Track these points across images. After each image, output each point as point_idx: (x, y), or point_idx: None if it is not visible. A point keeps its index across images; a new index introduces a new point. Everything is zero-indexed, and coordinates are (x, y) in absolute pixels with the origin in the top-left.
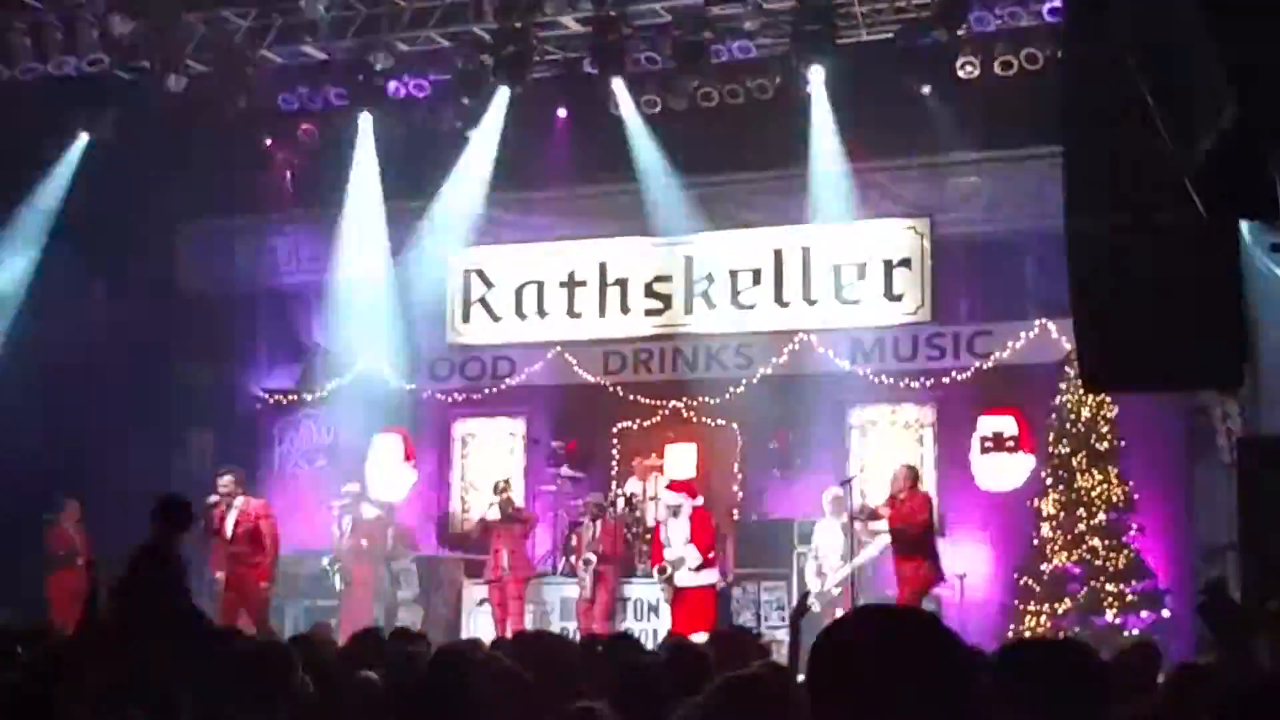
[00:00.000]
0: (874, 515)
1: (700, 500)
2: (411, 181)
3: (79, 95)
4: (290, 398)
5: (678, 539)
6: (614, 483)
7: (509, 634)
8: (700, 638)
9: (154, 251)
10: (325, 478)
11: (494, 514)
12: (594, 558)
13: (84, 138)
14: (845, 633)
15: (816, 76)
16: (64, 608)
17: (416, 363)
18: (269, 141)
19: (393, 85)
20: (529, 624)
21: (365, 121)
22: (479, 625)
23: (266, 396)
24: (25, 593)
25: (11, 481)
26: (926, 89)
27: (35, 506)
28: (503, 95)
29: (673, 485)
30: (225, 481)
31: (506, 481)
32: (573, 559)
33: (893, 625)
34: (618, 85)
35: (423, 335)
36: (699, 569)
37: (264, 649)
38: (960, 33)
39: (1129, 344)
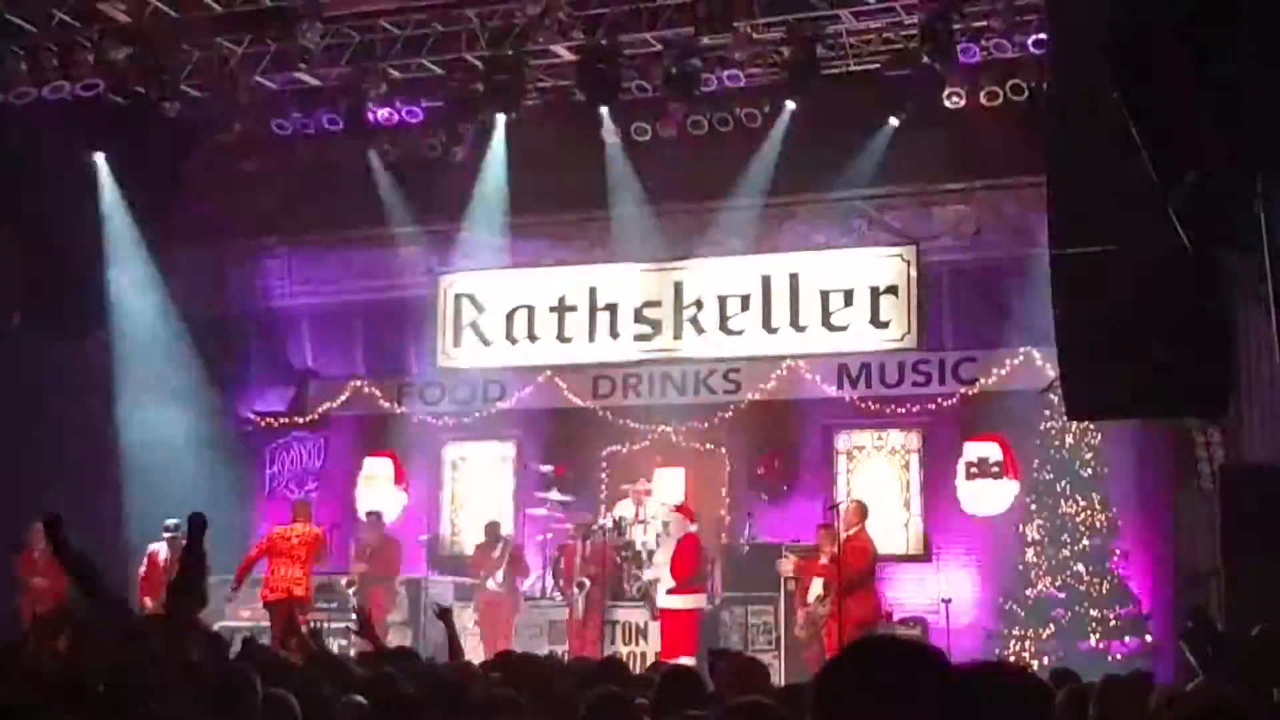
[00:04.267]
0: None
1: (694, 527)
2: (404, 207)
3: (74, 120)
4: (281, 420)
5: (661, 559)
6: (603, 506)
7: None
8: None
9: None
10: (316, 501)
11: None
12: (587, 581)
13: (100, 158)
14: (857, 666)
15: (791, 106)
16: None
17: (407, 386)
18: (262, 165)
19: (385, 112)
20: (516, 647)
21: (365, 146)
22: (467, 647)
23: (258, 419)
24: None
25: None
26: (912, 119)
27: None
28: (494, 122)
29: (674, 506)
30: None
31: (497, 524)
32: (561, 582)
33: (904, 660)
34: (605, 113)
35: (413, 359)
36: (672, 592)
37: (225, 673)
38: (947, 63)
39: (1113, 372)
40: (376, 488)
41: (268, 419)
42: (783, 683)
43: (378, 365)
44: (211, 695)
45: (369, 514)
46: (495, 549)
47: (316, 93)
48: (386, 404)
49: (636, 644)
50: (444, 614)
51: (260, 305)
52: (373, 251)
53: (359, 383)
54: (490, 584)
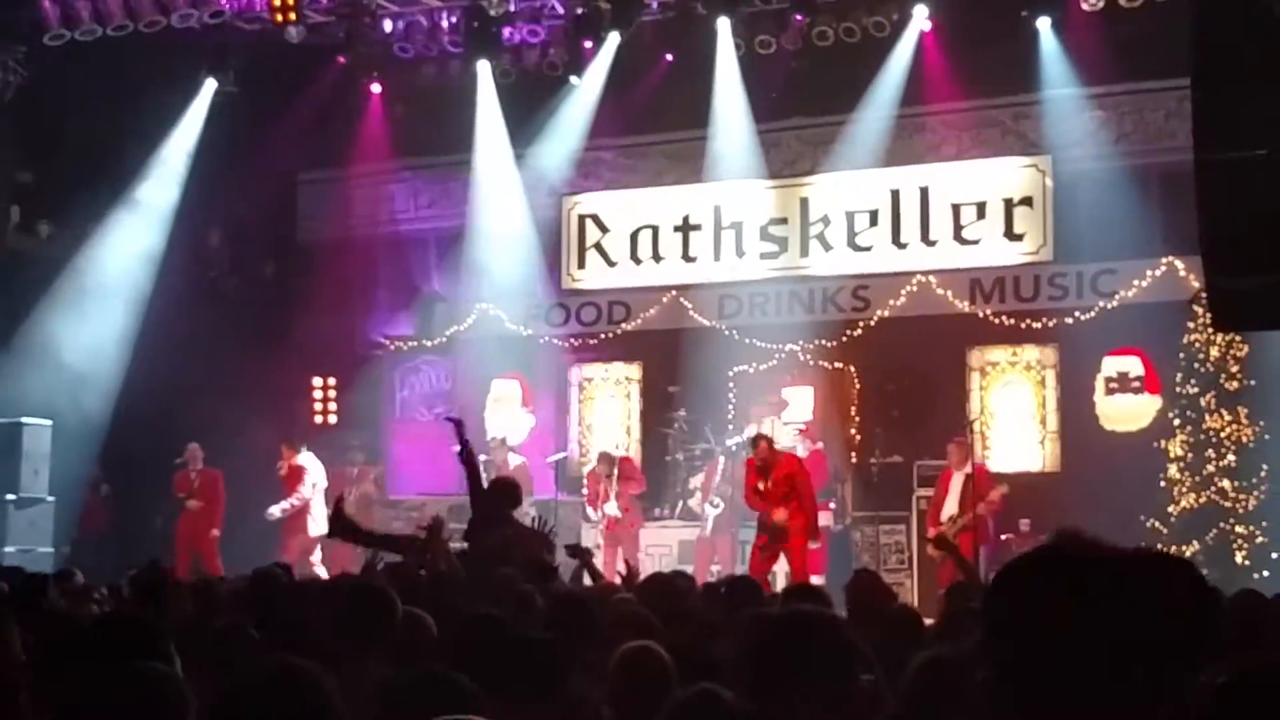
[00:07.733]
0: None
1: (819, 445)
2: (526, 127)
3: (202, 47)
4: (410, 344)
5: None
6: (730, 427)
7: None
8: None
9: (274, 201)
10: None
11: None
12: (720, 501)
13: (211, 84)
14: (1044, 576)
15: (920, 14)
16: (182, 548)
17: (533, 308)
18: (386, 89)
19: (506, 31)
20: (646, 568)
21: (484, 68)
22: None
23: (387, 343)
24: (157, 532)
25: (139, 427)
26: (1049, 21)
27: (160, 452)
28: (615, 39)
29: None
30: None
31: (609, 454)
32: (690, 502)
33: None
34: (722, 25)
35: (539, 281)
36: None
37: (363, 590)
38: None
39: (1260, 281)
40: (504, 410)
41: (396, 342)
42: (916, 603)
43: (503, 287)
44: (349, 609)
45: (492, 439)
46: (607, 476)
47: (439, 14)
48: (513, 326)
49: None
50: (580, 552)
51: (386, 229)
52: (496, 173)
53: (485, 305)
54: (609, 509)
